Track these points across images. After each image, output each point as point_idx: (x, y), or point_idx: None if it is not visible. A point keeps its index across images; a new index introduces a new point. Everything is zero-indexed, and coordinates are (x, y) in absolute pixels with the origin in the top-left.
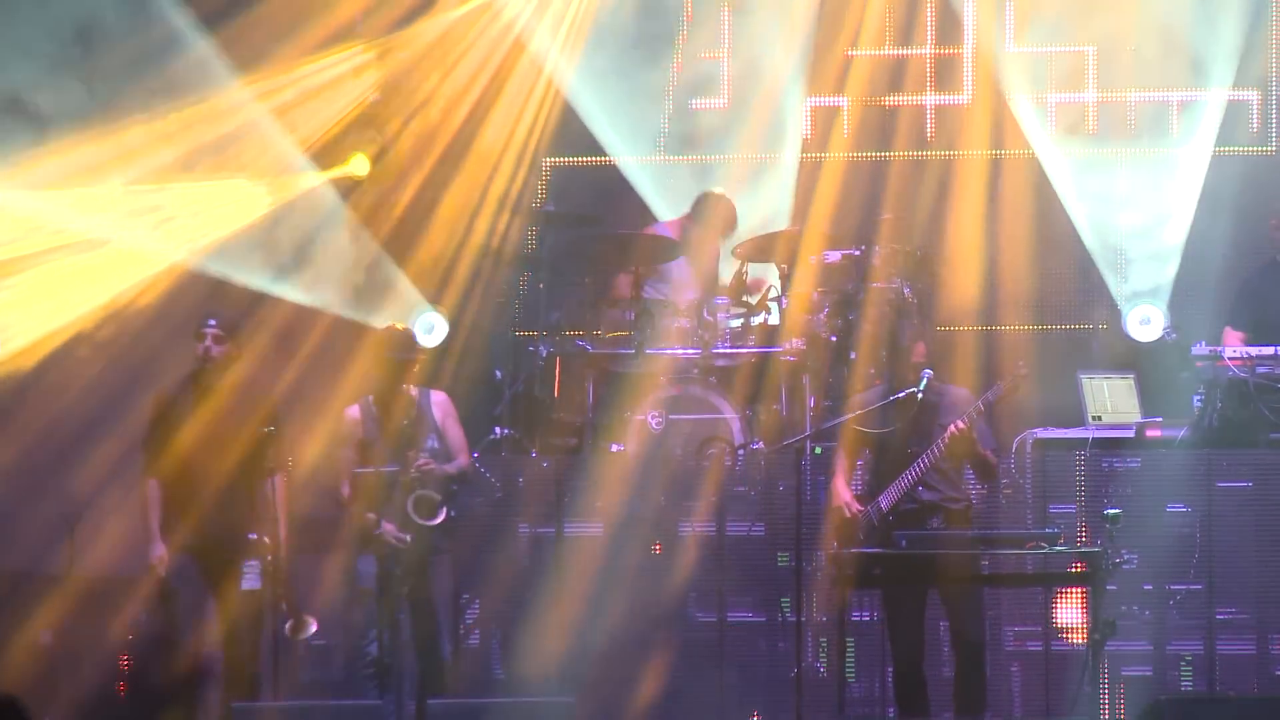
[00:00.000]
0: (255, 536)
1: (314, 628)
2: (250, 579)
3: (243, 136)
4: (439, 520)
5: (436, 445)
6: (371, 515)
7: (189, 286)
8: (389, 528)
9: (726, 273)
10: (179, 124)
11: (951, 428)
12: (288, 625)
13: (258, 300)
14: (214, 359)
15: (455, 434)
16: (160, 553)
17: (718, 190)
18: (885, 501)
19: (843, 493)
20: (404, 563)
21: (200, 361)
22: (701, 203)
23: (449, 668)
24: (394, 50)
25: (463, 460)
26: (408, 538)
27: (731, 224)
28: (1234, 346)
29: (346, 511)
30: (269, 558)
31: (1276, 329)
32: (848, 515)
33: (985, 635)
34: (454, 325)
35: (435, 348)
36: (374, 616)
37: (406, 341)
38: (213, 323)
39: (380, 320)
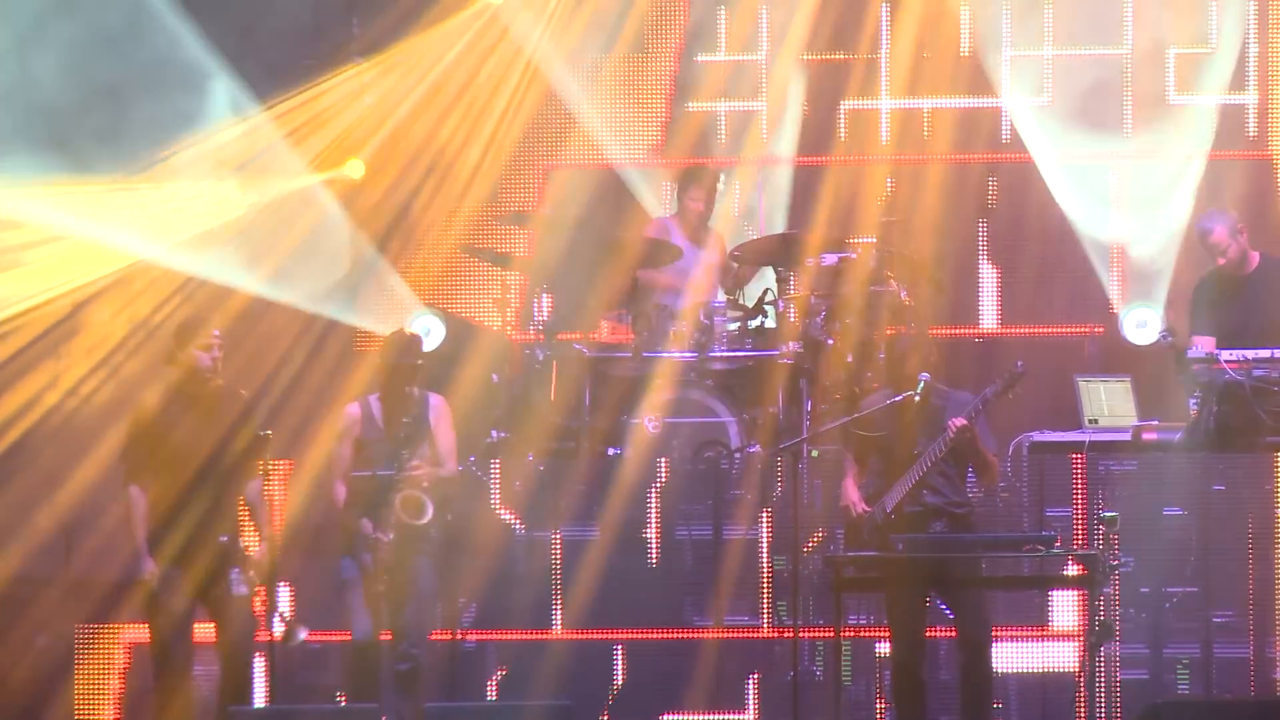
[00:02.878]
0: (235, 543)
1: (303, 635)
2: (239, 584)
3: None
4: (425, 520)
5: (426, 451)
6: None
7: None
8: (367, 524)
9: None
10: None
11: (954, 423)
12: (279, 632)
13: (250, 303)
14: (212, 368)
15: (446, 439)
16: (150, 567)
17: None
18: (889, 503)
19: (850, 493)
20: (381, 561)
21: (198, 371)
22: (681, 178)
23: (419, 671)
24: (394, 61)
25: (451, 465)
26: (388, 536)
27: (712, 181)
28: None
29: (337, 511)
30: (251, 574)
31: (1235, 335)
32: (854, 515)
33: (990, 638)
34: (450, 328)
35: (432, 351)
36: (355, 611)
37: (412, 346)
38: (218, 333)
39: (375, 323)
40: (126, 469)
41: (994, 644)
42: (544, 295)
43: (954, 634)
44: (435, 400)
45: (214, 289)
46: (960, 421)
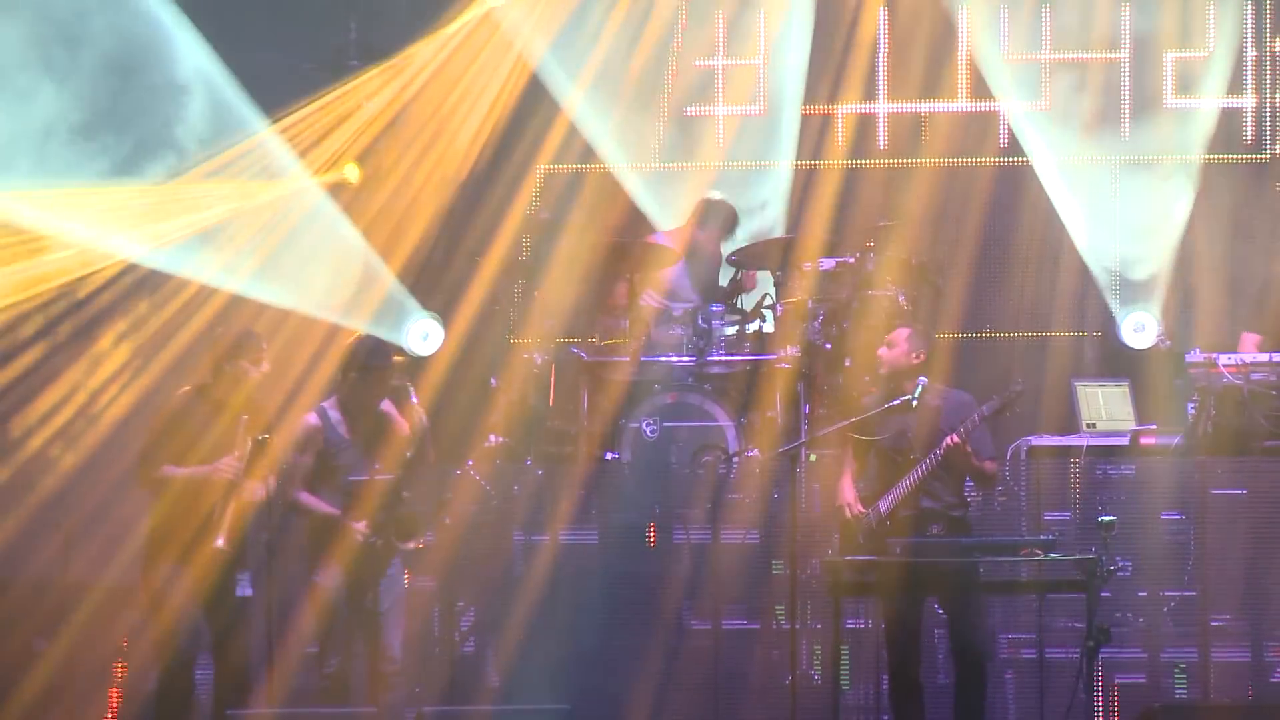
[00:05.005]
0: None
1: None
2: (242, 586)
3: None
4: (413, 545)
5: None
6: (359, 526)
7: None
8: (359, 527)
9: (725, 278)
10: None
11: (946, 441)
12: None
13: (248, 307)
14: (259, 381)
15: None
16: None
17: (717, 195)
18: (884, 505)
19: (846, 493)
20: (367, 569)
21: (243, 383)
22: (702, 209)
23: (394, 675)
24: (393, 65)
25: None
26: (377, 541)
27: (732, 227)
28: (1250, 351)
29: (304, 518)
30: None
31: None
32: (848, 515)
33: (987, 643)
34: (449, 332)
35: (430, 355)
36: (336, 627)
37: (380, 350)
38: (265, 346)
39: (373, 328)
40: (148, 462)
41: (993, 647)
42: (542, 299)
43: (950, 638)
44: (387, 405)
45: (213, 293)
46: (954, 440)
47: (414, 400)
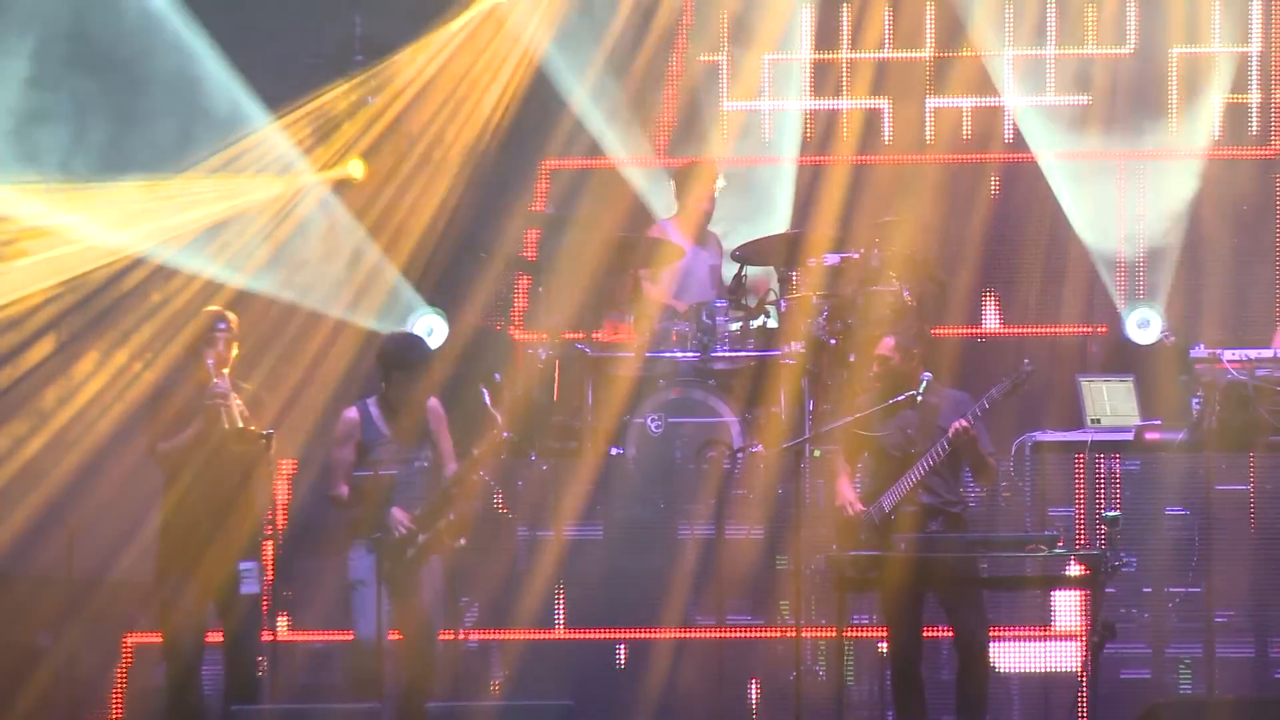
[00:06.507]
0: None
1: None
2: (249, 583)
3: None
4: (461, 543)
5: (431, 454)
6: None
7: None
8: (399, 514)
9: (726, 268)
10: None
11: (956, 425)
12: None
13: (253, 302)
14: (227, 362)
15: (446, 442)
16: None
17: (712, 155)
18: (887, 502)
19: (845, 492)
20: (400, 556)
21: (214, 365)
22: (680, 176)
23: (435, 670)
24: (397, 60)
25: (452, 467)
26: (419, 535)
27: (712, 179)
28: None
29: (342, 511)
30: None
31: None
32: (849, 514)
33: (988, 637)
34: (453, 328)
35: (434, 350)
36: (363, 609)
37: (415, 346)
38: (223, 325)
39: (377, 323)
40: (146, 439)
41: (993, 643)
42: (547, 295)
43: (953, 634)
44: (432, 403)
45: (219, 289)
46: (962, 424)
47: (487, 402)
